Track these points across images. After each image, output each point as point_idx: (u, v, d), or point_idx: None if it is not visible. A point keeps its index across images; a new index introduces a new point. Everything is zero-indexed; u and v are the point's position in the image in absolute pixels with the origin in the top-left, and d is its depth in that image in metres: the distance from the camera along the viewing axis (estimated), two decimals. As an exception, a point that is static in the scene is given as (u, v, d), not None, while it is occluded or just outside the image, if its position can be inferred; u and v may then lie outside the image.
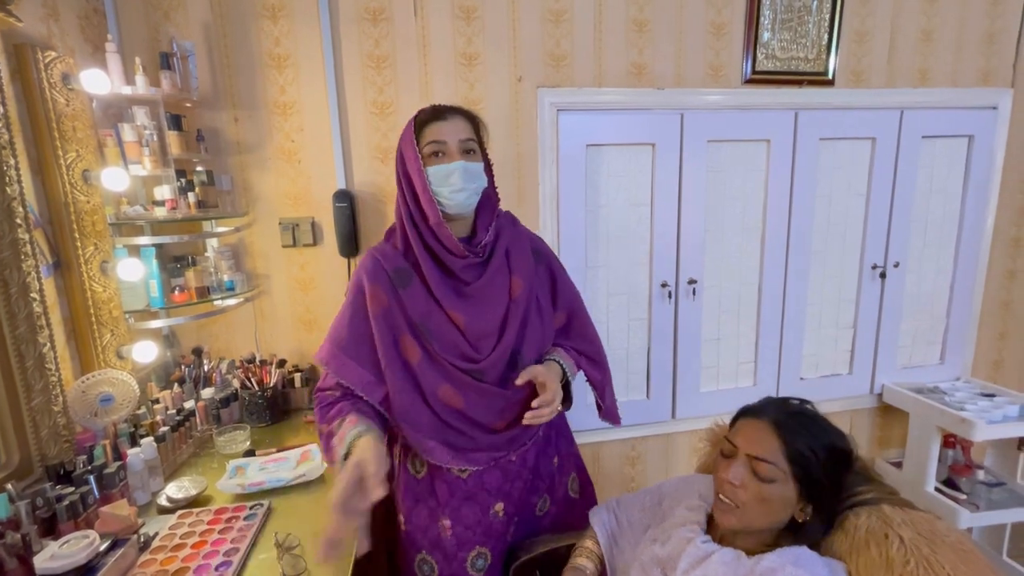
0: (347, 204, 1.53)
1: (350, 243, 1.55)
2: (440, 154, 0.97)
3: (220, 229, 1.50)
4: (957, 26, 1.81)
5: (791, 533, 0.82)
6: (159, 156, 1.27)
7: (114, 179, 1.22)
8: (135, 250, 1.31)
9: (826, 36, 1.72)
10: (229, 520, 0.99)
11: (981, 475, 1.97)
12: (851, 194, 1.88)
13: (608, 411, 1.20)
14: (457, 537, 1.04)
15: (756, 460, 0.78)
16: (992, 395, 1.92)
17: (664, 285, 1.77)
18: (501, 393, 1.00)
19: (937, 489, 1.88)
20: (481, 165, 1.01)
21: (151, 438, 1.12)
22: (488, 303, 1.01)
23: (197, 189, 1.34)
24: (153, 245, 1.32)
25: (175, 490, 1.07)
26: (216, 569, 0.86)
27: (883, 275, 1.93)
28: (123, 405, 1.17)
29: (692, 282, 1.79)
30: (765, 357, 1.92)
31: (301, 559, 0.88)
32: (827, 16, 1.71)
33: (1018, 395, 1.89)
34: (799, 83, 1.73)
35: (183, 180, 1.32)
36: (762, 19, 1.66)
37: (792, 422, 0.79)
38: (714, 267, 1.82)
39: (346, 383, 0.98)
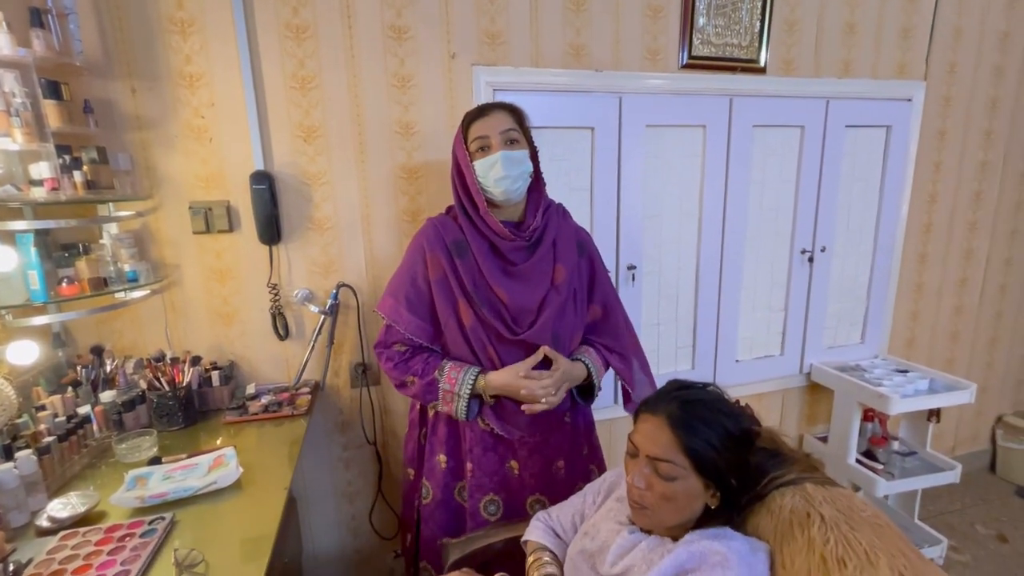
0: (266, 186, 1.41)
1: (271, 228, 1.44)
2: (485, 148, 1.10)
3: (119, 213, 1.34)
4: (877, 19, 1.89)
5: (709, 520, 0.81)
6: (34, 128, 1.10)
7: (-23, 154, 1.05)
8: (9, 236, 1.14)
9: (758, 24, 1.74)
10: (122, 539, 0.88)
11: (896, 446, 2.12)
12: (782, 180, 1.93)
13: (634, 406, 1.27)
14: (476, 480, 1.18)
15: (656, 460, 0.77)
16: (906, 371, 2.05)
17: (605, 271, 1.77)
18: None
19: (858, 460, 2.00)
20: (525, 152, 1.12)
21: (30, 450, 0.98)
22: (531, 284, 1.14)
23: (86, 168, 1.18)
24: (32, 231, 1.16)
25: (59, 508, 0.95)
26: (99, 596, 0.76)
27: (811, 259, 2.01)
28: (-4, 414, 1.03)
29: (632, 268, 1.79)
30: (703, 341, 1.95)
31: (203, 577, 0.80)
32: (759, 4, 1.73)
33: (928, 371, 2.04)
34: (733, 69, 1.76)
35: (66, 157, 1.16)
36: (697, 3, 1.66)
37: (686, 415, 0.77)
38: (653, 253, 1.83)
39: (412, 336, 1.14)
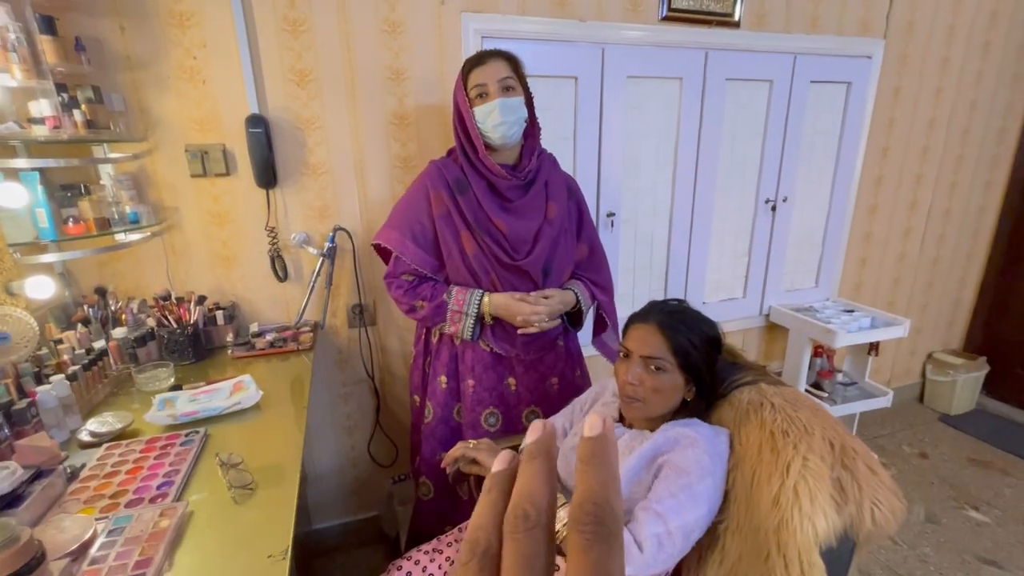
0: (262, 130, 1.44)
1: (267, 172, 1.48)
2: (483, 95, 1.18)
3: (115, 155, 1.36)
4: (844, -23, 1.98)
5: (683, 413, 0.97)
6: (31, 64, 1.11)
7: (-24, 90, 1.05)
8: (12, 175, 1.16)
9: (734, -22, 1.81)
10: (164, 447, 0.98)
11: (840, 377, 2.38)
12: (750, 133, 2.06)
13: (603, 342, 1.51)
14: (476, 395, 1.32)
15: (648, 359, 0.91)
16: (852, 311, 2.28)
17: (586, 217, 1.88)
18: (532, 289, 1.27)
19: (807, 390, 2.24)
20: (520, 99, 1.20)
21: (62, 375, 1.05)
22: (526, 217, 1.25)
23: (83, 107, 1.20)
24: (34, 169, 1.18)
25: (97, 425, 1.03)
26: (158, 488, 0.86)
27: (774, 208, 2.17)
28: (22, 344, 1.08)
29: (611, 215, 1.91)
30: (673, 284, 2.12)
31: (246, 472, 0.91)
32: (736, -42, 1.80)
33: (871, 310, 2.27)
34: (709, 23, 1.83)
35: (64, 96, 1.17)
36: (678, -45, 1.72)
37: (673, 321, 0.93)
38: (631, 201, 1.95)
39: (418, 267, 1.26)
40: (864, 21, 2.07)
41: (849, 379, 2.37)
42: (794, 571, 0.75)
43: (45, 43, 1.12)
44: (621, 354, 0.96)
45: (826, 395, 2.26)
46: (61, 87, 1.17)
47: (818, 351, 2.33)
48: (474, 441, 1.06)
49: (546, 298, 1.26)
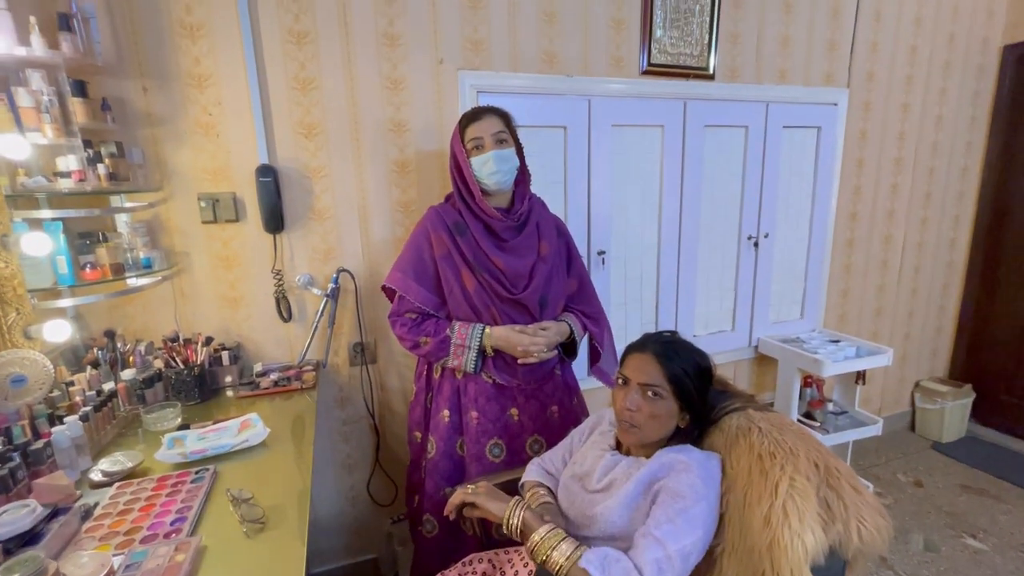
0: (271, 179, 1.53)
1: (275, 218, 1.56)
2: (479, 147, 1.29)
3: (131, 204, 1.43)
4: (807, 34, 2.17)
5: (676, 439, 1.02)
6: (61, 124, 1.19)
7: (10, 146, 1.13)
8: (36, 224, 1.23)
9: (707, 36, 1.98)
10: (175, 485, 1.01)
11: (830, 407, 2.42)
12: (730, 174, 2.19)
13: (600, 369, 1.55)
14: (481, 426, 1.36)
15: (645, 386, 0.97)
16: (838, 341, 2.35)
17: (578, 256, 1.97)
18: (530, 321, 1.35)
19: (800, 420, 2.29)
20: (512, 150, 1.32)
21: (75, 416, 1.08)
22: (521, 255, 1.35)
23: (107, 161, 1.28)
24: (57, 219, 1.25)
25: (109, 464, 1.06)
26: (171, 524, 0.89)
27: (756, 244, 2.28)
28: (37, 386, 1.12)
29: (601, 253, 2.00)
30: (664, 318, 2.19)
31: (258, 507, 0.94)
32: (707, 18, 1.97)
33: (856, 340, 2.34)
34: (686, 76, 1.99)
35: (90, 151, 1.26)
36: (655, 17, 1.89)
37: (668, 350, 0.99)
38: (620, 240, 2.05)
39: (421, 304, 1.33)
40: (828, 73, 2.25)
41: (839, 408, 2.42)
42: (788, 588, 0.78)
43: (76, 104, 1.22)
44: (619, 381, 1.01)
45: (818, 424, 2.30)
46: (87, 143, 1.26)
47: (807, 381, 2.39)
48: (472, 485, 1.06)
49: (543, 329, 1.33)
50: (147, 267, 1.42)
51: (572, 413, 1.46)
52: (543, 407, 1.40)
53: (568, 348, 1.47)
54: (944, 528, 2.13)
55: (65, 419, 1.06)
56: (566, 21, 1.79)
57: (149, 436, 1.24)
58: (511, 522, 0.95)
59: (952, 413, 2.73)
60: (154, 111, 1.44)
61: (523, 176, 1.40)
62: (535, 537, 0.90)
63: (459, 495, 1.05)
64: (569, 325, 1.41)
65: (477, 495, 1.02)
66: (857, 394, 2.38)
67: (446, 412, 1.38)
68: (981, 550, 2.01)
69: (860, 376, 2.32)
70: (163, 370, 1.41)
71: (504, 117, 1.34)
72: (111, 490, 0.99)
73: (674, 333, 1.05)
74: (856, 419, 2.35)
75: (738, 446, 0.94)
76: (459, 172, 1.34)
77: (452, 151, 1.36)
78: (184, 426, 1.26)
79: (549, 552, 0.88)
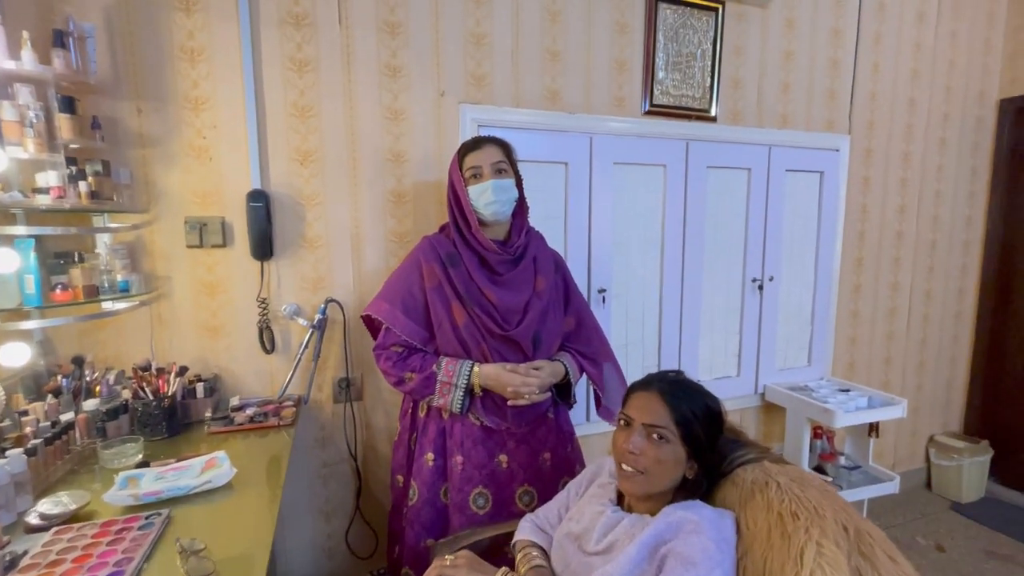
0: (263, 204, 1.48)
1: (264, 244, 1.50)
2: (477, 176, 1.25)
3: (115, 224, 1.38)
4: (807, 81, 2.19)
5: (684, 493, 0.91)
6: (45, 139, 1.15)
7: (-13, 160, 1.09)
8: (7, 240, 1.16)
9: (709, 79, 2.00)
10: (120, 532, 0.89)
11: (843, 460, 2.29)
12: (733, 215, 2.16)
13: (608, 410, 1.42)
14: (465, 473, 1.25)
15: (650, 427, 0.87)
16: (848, 390, 2.25)
17: (578, 293, 1.90)
18: (522, 360, 1.26)
19: (810, 474, 2.15)
20: (512, 181, 1.28)
21: (20, 450, 0.98)
22: (516, 290, 1.28)
23: (90, 179, 1.23)
24: (31, 236, 1.18)
25: (50, 506, 0.94)
26: (105, 579, 0.77)
27: (761, 287, 2.22)
28: (-16, 414, 1.02)
29: (602, 291, 1.93)
30: (667, 361, 2.10)
31: (208, 560, 0.82)
32: (709, 63, 1.99)
33: (867, 389, 2.24)
34: (688, 117, 1.99)
35: (73, 168, 1.21)
36: (657, 60, 1.90)
37: (675, 390, 0.90)
38: (621, 278, 1.99)
39: (408, 338, 1.25)
40: (829, 120, 2.26)
41: (852, 462, 2.29)
42: None
43: (63, 120, 1.18)
44: (621, 422, 0.92)
45: (831, 479, 2.16)
46: (71, 160, 1.21)
47: (817, 432, 2.27)
48: (451, 556, 0.94)
49: (536, 369, 1.24)
50: (124, 291, 1.35)
51: (567, 461, 1.35)
52: (535, 454, 1.29)
53: (563, 390, 1.37)
54: (972, 600, 1.96)
55: (7, 452, 0.96)
56: (569, 60, 1.80)
57: (105, 474, 1.13)
58: None
59: (970, 471, 2.58)
60: (147, 132, 1.41)
61: (521, 208, 1.35)
62: None
63: (436, 569, 0.92)
64: (564, 365, 1.32)
65: (456, 567, 0.90)
66: (870, 448, 2.25)
67: (430, 455, 1.27)
68: (1015, 626, 1.83)
69: (873, 428, 2.20)
70: (130, 401, 1.31)
71: (504, 147, 1.31)
72: (47, 535, 0.88)
73: (679, 372, 0.97)
74: (871, 475, 2.21)
75: (754, 502, 0.83)
76: (456, 201, 1.29)
77: (450, 179, 1.32)
78: (144, 463, 1.15)
79: None
